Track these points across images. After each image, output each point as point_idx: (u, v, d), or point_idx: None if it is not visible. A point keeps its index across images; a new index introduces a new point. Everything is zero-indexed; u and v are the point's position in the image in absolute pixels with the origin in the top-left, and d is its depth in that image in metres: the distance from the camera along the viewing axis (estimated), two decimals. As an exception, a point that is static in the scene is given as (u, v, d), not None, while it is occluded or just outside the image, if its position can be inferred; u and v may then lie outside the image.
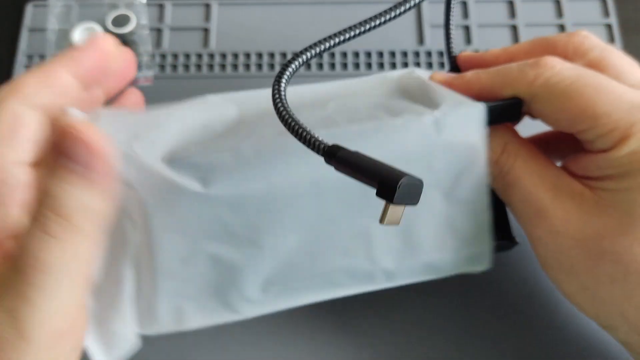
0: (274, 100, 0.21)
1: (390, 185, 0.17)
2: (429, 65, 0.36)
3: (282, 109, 0.20)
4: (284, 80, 0.21)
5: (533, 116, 0.25)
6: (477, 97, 0.24)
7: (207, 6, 0.39)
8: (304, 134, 0.19)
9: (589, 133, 0.22)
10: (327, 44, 0.23)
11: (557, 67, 0.23)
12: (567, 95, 0.22)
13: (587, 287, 0.23)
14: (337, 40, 0.23)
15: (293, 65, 0.22)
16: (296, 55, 0.22)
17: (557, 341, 0.29)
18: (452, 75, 0.26)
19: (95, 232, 0.19)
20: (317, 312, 0.29)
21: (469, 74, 0.25)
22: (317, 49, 0.22)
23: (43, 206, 0.18)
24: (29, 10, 0.38)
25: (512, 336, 0.29)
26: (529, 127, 0.27)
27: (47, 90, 0.21)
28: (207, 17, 0.38)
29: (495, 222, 0.25)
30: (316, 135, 0.19)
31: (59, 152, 0.18)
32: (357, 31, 0.23)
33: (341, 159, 0.18)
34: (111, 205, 0.20)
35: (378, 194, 0.17)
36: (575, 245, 0.22)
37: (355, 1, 0.38)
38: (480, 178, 0.24)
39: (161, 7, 0.39)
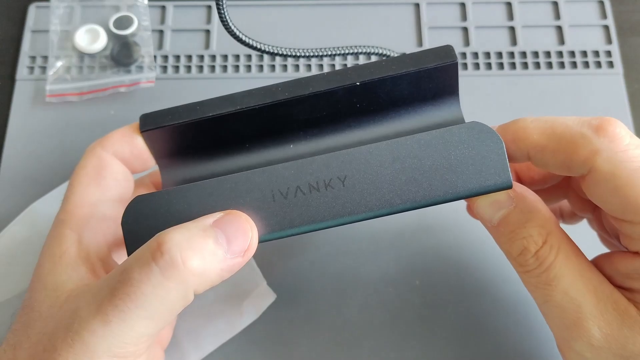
0: None
1: None
2: (428, 67, 0.37)
3: None
4: None
5: (572, 187, 0.23)
6: (524, 156, 0.21)
7: (209, 8, 0.39)
8: None
9: (636, 228, 0.19)
10: None
11: (626, 140, 0.19)
12: (632, 180, 0.19)
13: None
14: None
15: None
16: None
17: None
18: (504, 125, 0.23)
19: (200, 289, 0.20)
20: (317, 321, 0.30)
21: (519, 124, 0.22)
22: None
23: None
24: (32, 12, 0.39)
25: (512, 337, 0.30)
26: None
27: (127, 146, 0.24)
28: (209, 18, 0.39)
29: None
30: None
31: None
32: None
33: None
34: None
35: None
36: None
37: (355, 2, 0.39)
38: None
39: (163, 8, 0.39)
